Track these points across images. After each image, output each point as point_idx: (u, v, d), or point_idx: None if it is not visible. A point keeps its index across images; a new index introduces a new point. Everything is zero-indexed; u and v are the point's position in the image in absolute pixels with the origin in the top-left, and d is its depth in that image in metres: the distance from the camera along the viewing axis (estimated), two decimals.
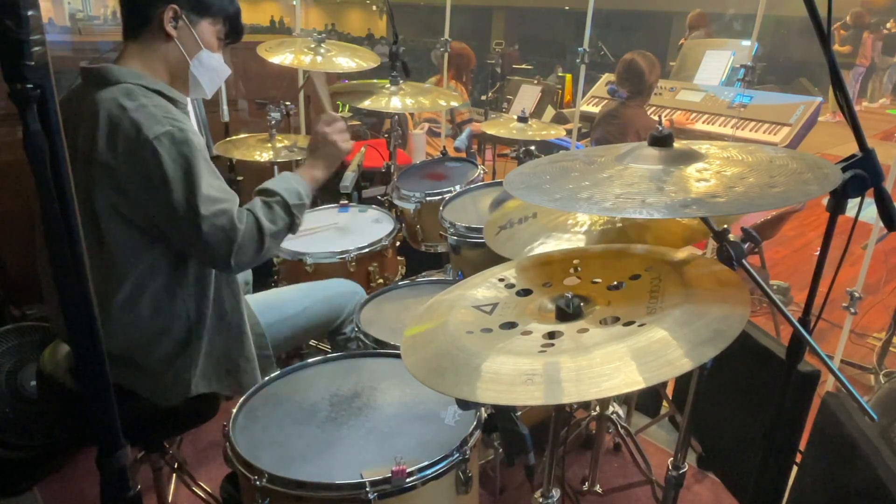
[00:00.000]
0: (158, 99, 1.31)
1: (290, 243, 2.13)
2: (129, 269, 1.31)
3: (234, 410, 1.29)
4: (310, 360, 1.47)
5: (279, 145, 2.46)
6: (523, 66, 9.20)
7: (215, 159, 2.54)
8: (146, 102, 1.27)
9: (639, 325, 0.88)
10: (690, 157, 1.02)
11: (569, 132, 3.12)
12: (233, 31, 1.48)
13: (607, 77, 3.99)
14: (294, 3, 3.16)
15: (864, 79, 9.37)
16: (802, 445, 1.62)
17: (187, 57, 1.40)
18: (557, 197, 0.95)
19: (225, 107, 2.80)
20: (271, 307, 1.69)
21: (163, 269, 1.34)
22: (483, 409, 1.24)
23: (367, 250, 2.09)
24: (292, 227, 1.41)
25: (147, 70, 1.36)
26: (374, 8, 20.35)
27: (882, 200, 0.90)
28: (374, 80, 2.41)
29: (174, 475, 1.86)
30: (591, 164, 1.08)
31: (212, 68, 1.45)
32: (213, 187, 1.29)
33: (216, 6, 1.42)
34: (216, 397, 1.51)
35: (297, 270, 2.09)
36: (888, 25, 9.29)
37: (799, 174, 0.93)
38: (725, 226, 0.99)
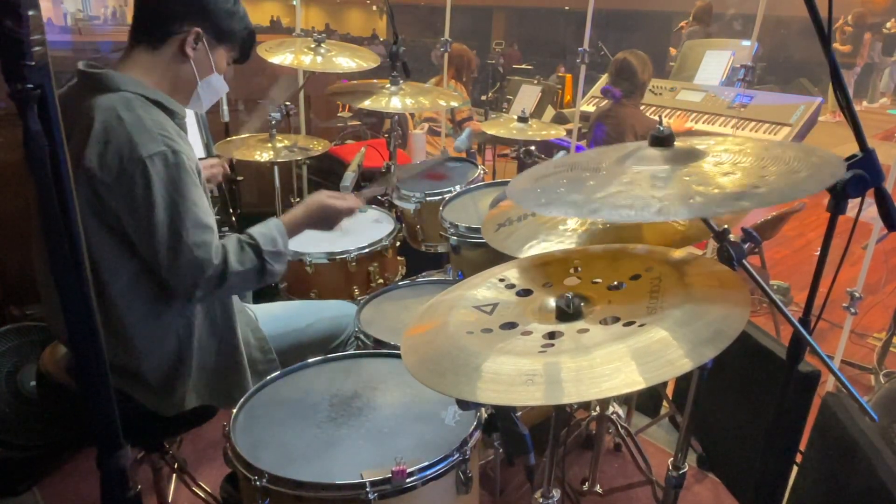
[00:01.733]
0: (156, 112, 1.30)
1: (290, 243, 2.12)
2: (111, 279, 1.29)
3: (235, 410, 1.29)
4: (310, 360, 1.47)
5: (279, 145, 2.46)
6: (523, 66, 9.21)
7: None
8: (143, 115, 1.26)
9: (639, 326, 0.88)
10: (694, 154, 1.02)
11: (569, 132, 3.12)
12: (242, 55, 1.50)
13: (607, 78, 3.99)
14: (294, 2, 3.16)
15: (861, 78, 9.38)
16: (802, 445, 1.62)
17: (198, 78, 1.41)
18: (595, 207, 0.92)
19: (225, 107, 2.80)
20: (276, 318, 1.68)
21: (147, 282, 1.32)
22: (483, 409, 1.24)
23: (367, 250, 2.09)
24: (263, 271, 1.38)
25: (149, 79, 1.34)
26: (374, 8, 20.36)
27: (882, 200, 0.90)
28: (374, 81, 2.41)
29: (174, 475, 1.86)
30: (596, 170, 1.07)
31: (216, 89, 1.47)
32: (202, 212, 1.28)
33: (236, 34, 1.43)
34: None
35: (298, 270, 2.09)
36: (888, 25, 9.30)
37: (798, 161, 0.93)
38: (726, 226, 0.99)
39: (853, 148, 0.90)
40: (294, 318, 1.73)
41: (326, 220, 1.59)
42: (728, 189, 0.89)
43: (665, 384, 2.18)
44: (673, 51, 6.64)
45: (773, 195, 0.86)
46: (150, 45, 1.35)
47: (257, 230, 1.41)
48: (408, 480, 1.10)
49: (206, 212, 1.30)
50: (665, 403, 2.27)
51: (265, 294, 2.00)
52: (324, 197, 1.58)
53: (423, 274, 2.35)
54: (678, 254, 1.10)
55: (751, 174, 0.93)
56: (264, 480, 1.10)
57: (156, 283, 1.32)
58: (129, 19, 1.41)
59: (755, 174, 0.92)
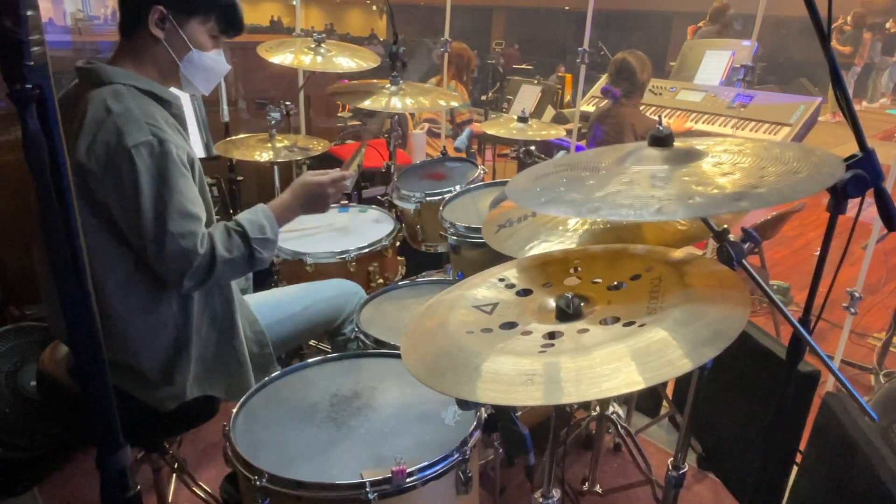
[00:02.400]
0: (147, 102, 1.30)
1: (291, 243, 2.13)
2: (107, 271, 1.30)
3: (234, 410, 1.29)
4: (310, 360, 1.47)
5: (279, 145, 2.46)
6: (523, 66, 9.21)
7: (215, 159, 2.57)
8: (132, 105, 1.26)
9: (639, 326, 0.88)
10: (693, 155, 1.02)
11: (569, 132, 3.12)
12: (229, 26, 1.43)
13: (606, 78, 4.00)
14: (294, 2, 3.16)
15: (861, 78, 9.37)
16: (802, 445, 1.62)
17: (176, 59, 1.38)
18: (595, 206, 0.92)
19: (225, 107, 2.80)
20: (273, 306, 1.68)
21: (143, 274, 1.32)
22: (483, 409, 1.24)
23: (367, 250, 2.09)
24: (252, 259, 1.37)
25: (139, 69, 1.35)
26: (374, 8, 20.36)
27: (882, 200, 0.90)
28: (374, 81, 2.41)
29: (174, 475, 1.86)
30: (595, 169, 1.07)
31: (205, 68, 1.42)
32: (188, 201, 1.28)
33: (203, 4, 1.37)
34: (215, 398, 1.51)
35: (297, 270, 2.09)
36: (888, 25, 9.30)
37: (798, 162, 0.93)
38: (725, 226, 0.99)
39: (853, 148, 0.90)
40: (290, 303, 1.73)
41: (313, 197, 1.53)
42: (728, 189, 0.89)
43: (665, 384, 2.18)
44: None
45: (772, 195, 0.86)
46: (126, 34, 1.35)
47: (245, 217, 1.40)
48: (408, 480, 1.10)
49: (192, 201, 1.29)
50: (665, 403, 2.27)
51: (263, 286, 2.00)
52: (306, 175, 1.54)
53: (423, 274, 2.35)
54: (678, 254, 1.10)
55: (750, 174, 0.93)
56: (264, 480, 1.10)
57: (151, 275, 1.33)
58: None
59: (755, 174, 0.92)
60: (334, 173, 1.56)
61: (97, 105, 1.25)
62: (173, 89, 1.43)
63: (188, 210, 1.27)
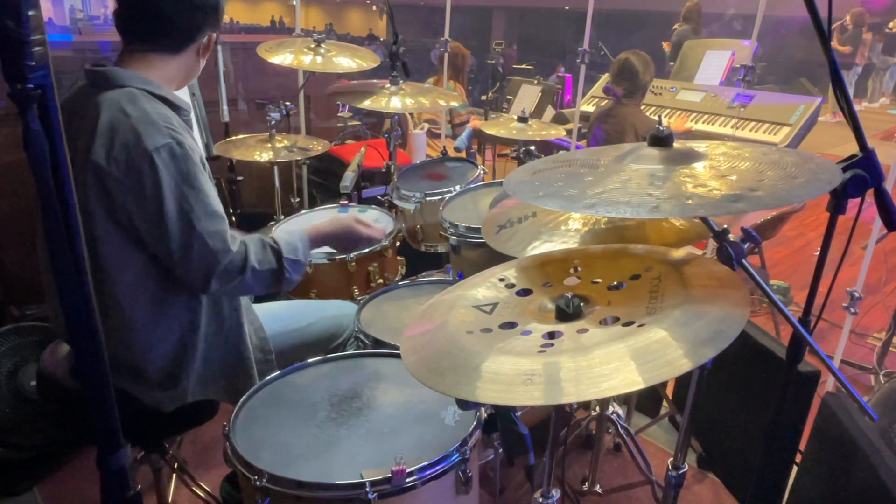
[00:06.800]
0: (161, 106, 1.30)
1: None
2: (117, 273, 1.29)
3: (235, 410, 1.29)
4: (310, 360, 1.47)
5: (279, 145, 2.46)
6: (523, 66, 9.21)
7: (215, 159, 2.57)
8: (149, 109, 1.26)
9: (638, 326, 0.88)
10: (693, 156, 1.02)
11: (569, 132, 3.12)
12: None
13: (607, 77, 4.01)
14: (294, 3, 3.16)
15: (861, 78, 9.38)
16: (802, 445, 1.63)
17: (200, 66, 1.47)
18: (592, 202, 0.93)
19: (225, 107, 2.80)
20: (278, 317, 1.69)
21: (153, 277, 1.32)
22: (483, 409, 1.24)
23: (367, 250, 2.09)
24: (280, 276, 1.40)
25: (160, 77, 1.36)
26: (374, 8, 20.38)
27: (882, 200, 0.90)
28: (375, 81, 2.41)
29: (174, 475, 1.86)
30: (594, 167, 1.07)
31: None
32: (213, 201, 1.29)
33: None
34: (215, 400, 1.51)
35: None
36: (890, 25, 9.30)
37: (796, 167, 0.93)
38: (725, 226, 0.99)
39: (853, 148, 0.90)
40: (295, 317, 1.73)
41: (348, 242, 1.68)
42: (725, 191, 0.89)
43: (665, 384, 2.18)
44: (666, 45, 6.69)
45: (769, 199, 0.86)
46: (171, 50, 1.38)
47: (281, 238, 1.43)
48: (408, 480, 1.10)
49: (216, 201, 1.31)
50: (665, 403, 2.28)
51: (265, 294, 2.00)
52: (352, 221, 1.65)
53: (423, 274, 2.35)
54: (678, 254, 1.10)
55: (748, 178, 0.93)
56: (264, 480, 1.10)
57: (161, 277, 1.33)
58: None
59: (753, 178, 0.93)
60: (375, 233, 1.71)
61: (112, 108, 1.25)
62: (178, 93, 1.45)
63: (214, 209, 1.28)
